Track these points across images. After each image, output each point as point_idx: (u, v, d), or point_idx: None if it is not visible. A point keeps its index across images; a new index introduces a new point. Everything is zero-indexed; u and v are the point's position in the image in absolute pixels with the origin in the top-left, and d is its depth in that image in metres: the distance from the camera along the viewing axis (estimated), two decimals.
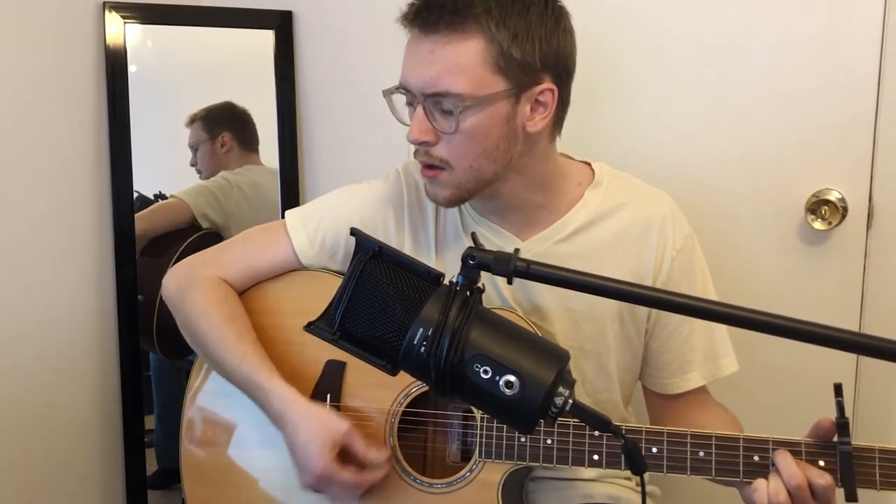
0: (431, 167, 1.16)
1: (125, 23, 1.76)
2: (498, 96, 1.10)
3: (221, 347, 1.23)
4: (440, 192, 1.18)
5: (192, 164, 1.89)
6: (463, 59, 1.08)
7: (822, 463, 1.06)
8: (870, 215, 1.59)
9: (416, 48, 1.11)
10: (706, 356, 1.28)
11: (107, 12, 1.74)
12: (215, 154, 1.89)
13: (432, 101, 1.11)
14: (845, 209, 1.58)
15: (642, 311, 1.27)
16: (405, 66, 1.13)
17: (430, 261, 1.27)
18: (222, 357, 1.23)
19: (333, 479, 1.15)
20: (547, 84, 1.14)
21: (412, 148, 1.82)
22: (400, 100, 1.18)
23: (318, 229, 1.30)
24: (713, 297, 1.30)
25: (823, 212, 1.59)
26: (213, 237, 1.86)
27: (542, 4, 1.12)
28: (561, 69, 1.15)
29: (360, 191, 1.33)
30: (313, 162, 1.93)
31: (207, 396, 1.33)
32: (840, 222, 1.59)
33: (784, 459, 1.05)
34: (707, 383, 1.30)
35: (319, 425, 1.16)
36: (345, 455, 1.17)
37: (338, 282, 0.81)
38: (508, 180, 1.19)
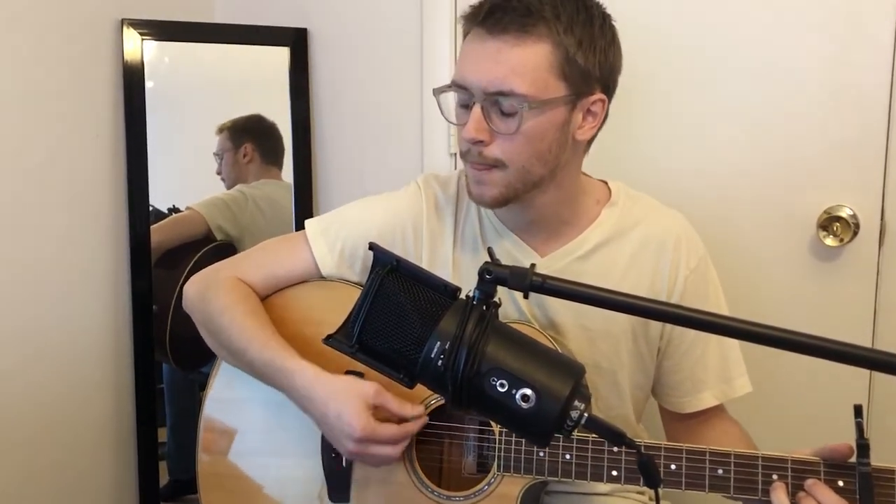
0: (483, 165, 1.16)
1: (142, 39, 1.78)
2: (558, 101, 1.13)
3: (244, 337, 1.23)
4: (487, 191, 1.17)
5: (218, 173, 1.92)
6: (530, 62, 1.10)
7: (840, 483, 1.06)
8: (882, 232, 1.59)
9: (481, 48, 1.12)
10: (719, 376, 1.29)
11: (125, 29, 1.76)
12: (237, 163, 1.92)
13: (491, 101, 1.12)
14: (857, 225, 1.58)
15: (655, 329, 1.27)
16: (465, 64, 1.14)
17: (447, 273, 1.27)
18: (245, 347, 1.23)
19: (375, 436, 1.14)
20: (599, 95, 1.17)
21: (424, 163, 1.86)
22: (446, 99, 1.19)
23: (337, 239, 1.30)
24: None
25: (835, 228, 1.59)
26: (228, 248, 1.88)
27: (602, 18, 1.16)
28: (610, 83, 1.19)
29: (379, 202, 1.34)
30: (327, 176, 1.94)
31: (224, 405, 1.34)
32: (852, 239, 1.59)
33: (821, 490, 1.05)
34: (720, 403, 1.31)
35: (349, 391, 1.15)
36: (379, 417, 1.16)
37: (355, 292, 0.82)
38: (547, 191, 1.20)
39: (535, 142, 1.14)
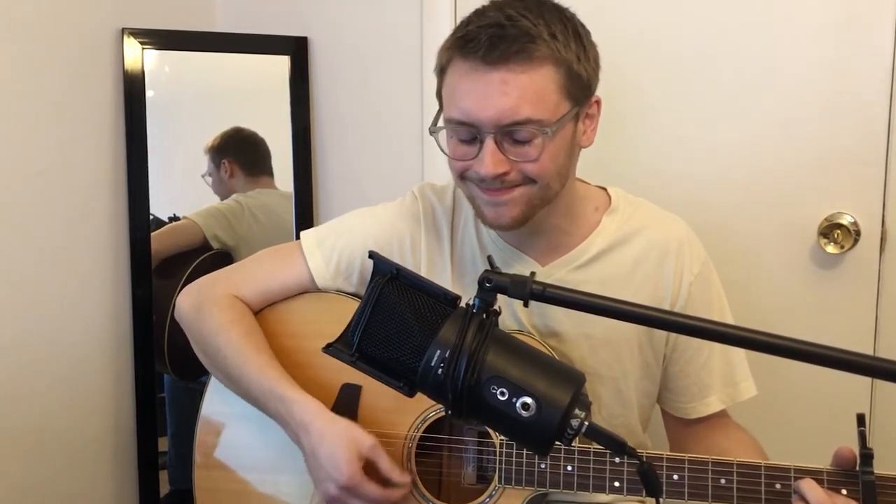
0: (505, 188, 1.14)
1: (143, 48, 1.79)
2: (567, 117, 1.12)
3: (240, 361, 1.22)
4: (507, 212, 1.15)
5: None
6: (538, 86, 1.08)
7: (844, 491, 1.05)
8: (882, 239, 1.59)
9: (483, 80, 1.08)
10: (725, 380, 1.28)
11: (125, 38, 1.77)
12: (222, 181, 1.93)
13: (504, 132, 1.10)
14: (858, 233, 1.58)
15: (660, 335, 1.27)
16: (468, 101, 1.09)
17: (445, 284, 1.26)
18: (240, 371, 1.22)
19: (359, 489, 1.12)
20: (595, 97, 1.18)
21: (425, 171, 1.86)
22: (443, 134, 1.16)
23: (333, 250, 1.29)
24: (730, 320, 1.30)
25: (836, 235, 1.59)
26: (224, 257, 1.88)
27: (581, 25, 1.16)
28: (597, 81, 1.19)
29: (375, 213, 1.33)
30: (327, 185, 1.94)
31: (220, 419, 1.33)
32: (853, 246, 1.59)
33: (810, 487, 1.04)
34: (726, 407, 1.30)
35: (346, 435, 1.14)
36: (367, 470, 1.15)
37: (351, 304, 0.81)
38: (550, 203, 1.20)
39: (557, 160, 1.13)
